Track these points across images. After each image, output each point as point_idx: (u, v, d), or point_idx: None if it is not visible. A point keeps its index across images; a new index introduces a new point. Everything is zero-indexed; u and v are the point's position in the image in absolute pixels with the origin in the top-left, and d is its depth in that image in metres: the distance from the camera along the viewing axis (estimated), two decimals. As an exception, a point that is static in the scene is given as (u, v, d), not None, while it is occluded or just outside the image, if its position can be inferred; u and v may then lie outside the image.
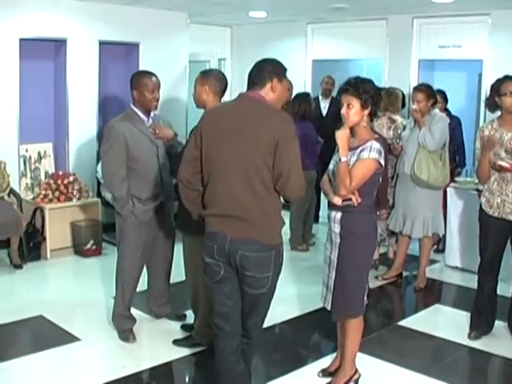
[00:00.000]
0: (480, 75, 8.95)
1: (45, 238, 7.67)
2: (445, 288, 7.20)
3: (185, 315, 5.81)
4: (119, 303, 5.40)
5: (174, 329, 5.59)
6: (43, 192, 7.81)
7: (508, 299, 5.63)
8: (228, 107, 3.98)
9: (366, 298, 4.43)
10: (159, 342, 5.40)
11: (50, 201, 7.76)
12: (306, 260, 7.66)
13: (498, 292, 5.51)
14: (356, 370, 4.65)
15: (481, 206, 5.41)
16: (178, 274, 5.72)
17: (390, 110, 7.11)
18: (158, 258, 5.57)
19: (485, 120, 7.88)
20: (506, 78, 5.23)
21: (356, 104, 4.21)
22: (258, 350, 4.33)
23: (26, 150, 8.19)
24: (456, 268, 7.50)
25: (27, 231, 7.57)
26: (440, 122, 6.47)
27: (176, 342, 5.31)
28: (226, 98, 5.03)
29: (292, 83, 7.60)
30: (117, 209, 5.24)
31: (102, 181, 6.92)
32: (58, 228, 7.79)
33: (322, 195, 5.15)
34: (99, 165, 6.96)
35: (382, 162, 4.23)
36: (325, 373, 4.83)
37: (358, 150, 4.21)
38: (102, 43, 8.53)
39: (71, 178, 7.97)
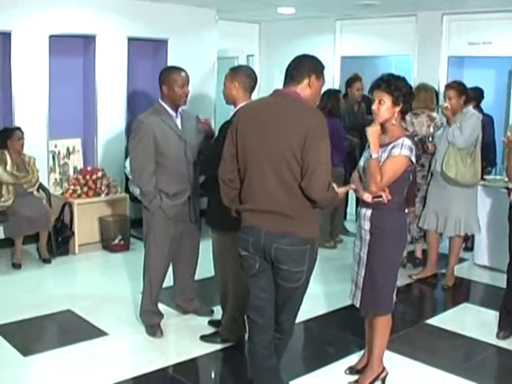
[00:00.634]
0: (510, 72, 8.87)
1: (73, 233, 7.72)
2: (473, 287, 7.14)
3: (212, 311, 5.81)
4: (147, 299, 5.42)
5: (202, 324, 5.60)
6: (72, 187, 7.86)
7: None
8: (262, 104, 3.98)
9: (395, 295, 4.41)
10: (186, 338, 5.41)
11: (79, 196, 7.81)
12: (334, 257, 7.63)
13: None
14: (383, 368, 4.63)
15: (510, 204, 5.36)
16: (206, 269, 5.73)
17: (430, 107, 7.01)
18: (185, 253, 5.58)
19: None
20: None
21: (387, 100, 4.18)
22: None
23: (55, 146, 8.25)
24: (485, 267, 7.43)
25: (56, 226, 7.63)
26: (471, 118, 6.41)
27: (203, 338, 5.32)
28: (254, 94, 5.02)
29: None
30: (144, 204, 5.26)
31: (130, 176, 6.95)
32: (86, 223, 7.84)
33: (350, 192, 5.11)
34: (127, 160, 6.99)
35: (413, 160, 4.20)
36: (352, 370, 4.81)
37: (389, 146, 4.19)
38: (130, 39, 8.57)
39: (100, 174, 8.01)
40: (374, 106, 4.25)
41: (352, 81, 8.81)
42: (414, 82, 8.69)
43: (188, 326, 5.62)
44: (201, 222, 5.56)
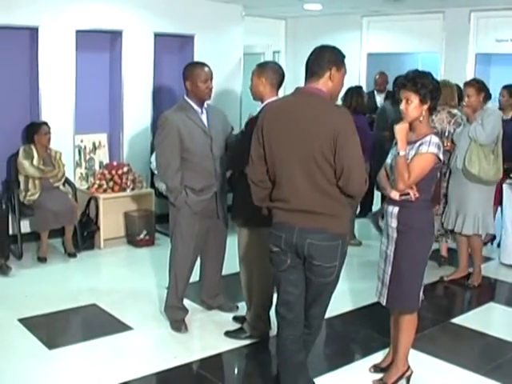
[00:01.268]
0: (538, 70, 8.80)
1: (98, 228, 7.76)
2: (499, 286, 7.08)
3: (237, 307, 5.81)
4: (172, 294, 5.44)
5: (226, 320, 5.60)
6: (97, 182, 7.89)
7: None
8: (286, 103, 3.96)
9: (421, 293, 4.38)
10: (211, 333, 5.42)
11: (105, 191, 7.84)
12: (359, 254, 7.60)
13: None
14: (408, 367, 4.60)
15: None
16: (231, 265, 5.74)
17: (450, 103, 6.96)
18: (211, 249, 5.59)
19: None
20: None
21: (415, 99, 4.16)
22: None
23: (81, 141, 8.29)
24: (511, 266, 7.37)
25: (81, 220, 7.67)
26: (492, 115, 6.39)
27: (228, 334, 5.32)
28: (280, 90, 5.01)
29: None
30: (170, 199, 5.27)
31: (155, 171, 6.97)
32: (111, 218, 7.87)
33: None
34: (153, 155, 7.02)
35: (441, 157, 4.18)
36: (376, 368, 4.79)
37: (417, 144, 4.16)
38: (157, 35, 8.59)
39: (125, 169, 8.04)
40: (402, 106, 4.23)
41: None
42: (440, 79, 8.63)
43: (213, 322, 5.63)
44: (227, 217, 5.56)
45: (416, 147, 4.17)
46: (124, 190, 7.97)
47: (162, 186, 7.15)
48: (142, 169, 8.40)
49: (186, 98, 5.27)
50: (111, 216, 7.87)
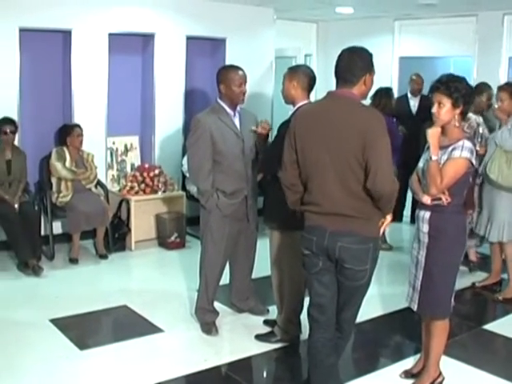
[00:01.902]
0: None
1: (130, 230, 7.80)
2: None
3: (268, 310, 5.80)
4: (203, 296, 5.45)
5: (256, 324, 5.60)
6: (129, 184, 7.93)
7: None
8: (318, 107, 3.95)
9: (453, 299, 4.35)
10: (241, 336, 5.41)
11: (136, 193, 7.88)
12: (389, 259, 7.55)
13: None
14: (440, 373, 4.56)
15: None
16: (262, 268, 5.74)
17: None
18: (242, 252, 5.59)
19: None
20: None
21: (447, 103, 4.13)
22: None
23: (113, 143, 8.34)
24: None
25: (113, 222, 7.71)
26: None
27: (258, 337, 5.32)
28: (312, 93, 5.00)
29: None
30: (202, 202, 5.28)
31: (187, 174, 6.99)
32: (142, 220, 7.90)
33: (408, 194, 5.05)
34: (185, 158, 7.03)
35: (474, 162, 4.15)
36: (407, 374, 4.76)
37: (450, 148, 4.13)
38: (189, 38, 8.61)
39: (157, 171, 8.06)
40: (434, 109, 4.20)
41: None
42: (473, 83, 8.56)
43: (243, 325, 5.63)
44: (258, 220, 5.56)
45: (448, 152, 4.14)
46: (155, 192, 8.00)
47: (193, 189, 7.19)
48: (174, 171, 8.43)
49: (219, 100, 5.28)
50: (142, 218, 7.90)
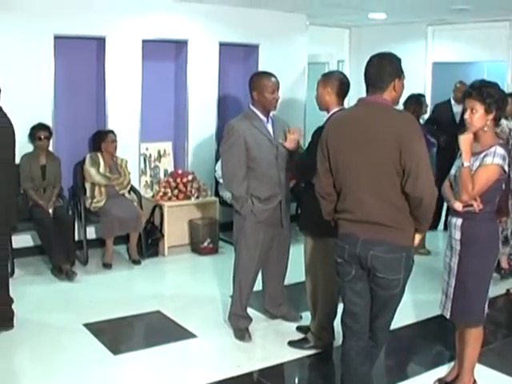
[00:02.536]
0: None
1: (163, 235, 7.82)
2: None
3: (301, 316, 5.77)
4: (236, 302, 5.44)
5: (290, 330, 5.57)
6: (162, 190, 7.96)
7: None
8: (350, 115, 3.93)
9: (486, 306, 4.30)
10: (274, 343, 5.39)
11: (169, 199, 7.90)
12: (425, 265, 7.47)
13: None
14: (474, 381, 4.51)
15: None
16: (295, 274, 5.72)
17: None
18: (275, 258, 5.57)
19: None
20: None
21: (480, 109, 4.09)
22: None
23: (147, 149, 8.37)
24: None
25: (146, 228, 7.74)
26: None
27: (291, 344, 5.29)
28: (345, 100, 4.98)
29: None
30: (236, 208, 5.27)
31: (220, 180, 7.00)
32: (175, 225, 7.92)
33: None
34: (218, 164, 7.05)
35: (506, 168, 4.10)
36: (441, 382, 4.70)
37: (482, 155, 4.10)
38: (222, 44, 8.63)
39: (190, 177, 8.09)
40: (467, 115, 4.16)
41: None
42: (507, 88, 8.49)
43: (276, 331, 5.61)
44: (291, 226, 5.55)
45: (481, 158, 4.11)
46: (188, 198, 8.02)
47: (226, 195, 7.19)
48: (207, 177, 8.44)
49: (251, 107, 5.28)
50: (175, 224, 7.92)
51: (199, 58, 8.46)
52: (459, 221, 4.22)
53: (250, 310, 5.60)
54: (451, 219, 4.31)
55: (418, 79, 9.71)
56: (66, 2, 7.40)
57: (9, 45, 7.14)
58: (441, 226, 8.83)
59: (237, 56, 9.08)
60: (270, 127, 5.29)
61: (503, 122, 6.80)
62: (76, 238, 7.52)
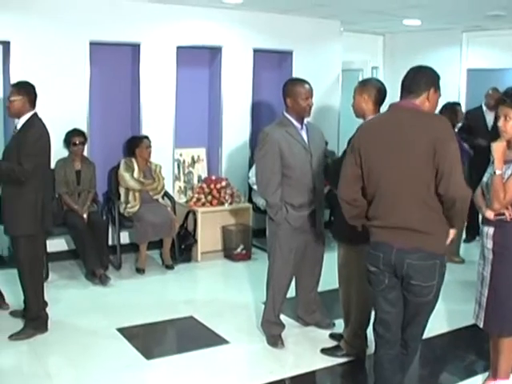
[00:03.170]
0: None
1: (196, 241, 7.83)
2: None
3: (334, 324, 5.74)
4: (269, 309, 5.43)
5: (323, 337, 5.54)
6: (196, 196, 7.98)
7: None
8: (382, 120, 3.92)
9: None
10: (307, 350, 5.36)
11: (203, 204, 7.91)
12: (459, 274, 7.39)
13: None
14: (509, 391, 4.48)
15: None
16: (329, 281, 5.70)
17: None
18: (309, 265, 5.56)
19: None
20: None
21: None
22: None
23: (181, 155, 8.41)
24: None
25: (179, 233, 7.76)
26: None
27: (324, 351, 5.27)
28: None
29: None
30: (270, 215, 5.26)
31: (254, 187, 7.01)
32: (209, 231, 7.94)
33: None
34: (251, 170, 7.05)
35: None
36: (476, 392, 4.68)
37: None
38: (256, 51, 8.64)
39: (224, 183, 8.10)
40: (500, 123, 4.13)
41: None
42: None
43: (309, 338, 5.59)
44: (325, 233, 5.53)
45: None
46: (222, 204, 8.03)
47: (259, 201, 7.20)
48: (240, 183, 8.45)
49: (285, 113, 5.27)
50: (209, 229, 7.93)
51: (233, 64, 8.48)
52: (491, 230, 4.19)
53: (282, 317, 5.58)
54: (483, 228, 4.28)
55: (452, 86, 9.64)
56: (101, 9, 7.48)
57: (46, 51, 7.23)
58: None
59: (271, 62, 9.08)
60: (304, 134, 5.28)
61: None
62: (110, 242, 7.59)
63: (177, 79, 8.12)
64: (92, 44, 7.45)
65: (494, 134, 4.31)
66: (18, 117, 5.34)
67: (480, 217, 4.42)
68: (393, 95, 4.28)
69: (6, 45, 7.18)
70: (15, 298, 5.97)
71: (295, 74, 8.37)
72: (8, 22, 7.01)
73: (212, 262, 7.90)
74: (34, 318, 5.45)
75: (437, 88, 3.78)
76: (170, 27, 7.98)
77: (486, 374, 4.74)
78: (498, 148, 4.10)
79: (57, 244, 7.38)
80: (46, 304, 5.58)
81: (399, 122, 3.68)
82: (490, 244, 4.19)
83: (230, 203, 8.08)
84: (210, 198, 7.96)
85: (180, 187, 8.41)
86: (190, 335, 5.81)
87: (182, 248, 7.77)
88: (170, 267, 7.52)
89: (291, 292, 5.62)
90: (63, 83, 7.34)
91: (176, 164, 8.35)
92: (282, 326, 5.51)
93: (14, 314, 5.83)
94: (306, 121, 5.34)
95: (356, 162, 3.78)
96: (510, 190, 4.02)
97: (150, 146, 7.57)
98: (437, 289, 3.74)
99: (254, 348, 5.41)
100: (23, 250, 5.33)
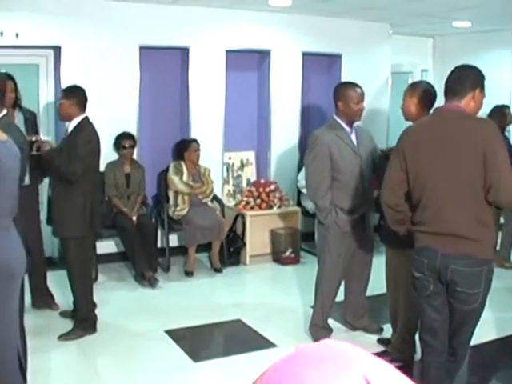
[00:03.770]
0: None
1: (245, 244, 7.84)
2: None
3: (382, 329, 5.69)
4: (318, 313, 5.40)
5: (370, 342, 5.48)
6: (245, 199, 7.99)
7: None
8: (428, 124, 3.87)
9: None
10: (355, 354, 5.32)
11: (252, 208, 7.92)
12: (510, 279, 7.28)
13: None
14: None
15: None
16: (377, 286, 5.65)
17: None
18: (357, 269, 5.52)
19: None
20: None
21: None
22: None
23: (230, 158, 8.42)
24: None
25: (228, 236, 7.77)
26: None
27: (372, 356, 5.21)
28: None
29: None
30: (320, 218, 5.25)
31: (303, 190, 6.99)
32: (257, 235, 7.93)
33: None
34: (300, 174, 7.03)
35: None
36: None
37: None
38: (305, 54, 8.62)
39: (273, 187, 8.09)
40: None
41: None
42: None
43: (357, 343, 5.47)
44: (374, 238, 5.48)
45: None
46: (271, 207, 8.02)
47: (308, 205, 7.18)
48: (289, 187, 8.43)
49: (335, 117, 5.25)
50: (257, 233, 7.93)
51: (282, 67, 8.47)
52: None
53: (330, 321, 5.56)
54: None
55: (503, 88, 9.48)
56: (151, 14, 7.54)
57: (96, 55, 7.32)
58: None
59: (320, 66, 9.05)
60: (353, 138, 5.25)
61: None
62: (159, 245, 7.62)
63: (226, 83, 8.14)
64: (142, 48, 7.52)
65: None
66: (69, 120, 5.43)
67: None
68: (442, 98, 4.22)
69: (57, 50, 7.28)
70: (65, 299, 6.06)
71: (344, 78, 8.31)
72: (59, 28, 7.12)
73: (260, 265, 7.89)
74: (83, 319, 5.52)
75: (482, 88, 3.72)
76: (219, 31, 8.01)
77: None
78: None
79: (106, 246, 7.46)
80: (94, 305, 5.64)
81: (445, 127, 3.64)
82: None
83: (279, 207, 8.07)
84: (258, 201, 7.96)
85: (229, 190, 8.43)
86: (237, 338, 5.82)
87: (231, 251, 7.78)
88: (218, 270, 7.54)
89: (340, 296, 5.58)
90: (113, 87, 7.43)
91: (225, 167, 8.37)
92: (330, 330, 5.49)
93: (63, 314, 5.91)
94: (355, 124, 5.31)
95: (401, 167, 3.74)
96: None
97: (198, 150, 7.60)
98: (483, 296, 3.68)
99: (302, 352, 5.38)
100: (72, 252, 5.40)
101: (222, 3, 7.66)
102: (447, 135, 3.59)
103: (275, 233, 8.05)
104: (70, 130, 5.42)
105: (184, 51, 7.89)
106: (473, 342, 4.03)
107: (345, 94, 5.19)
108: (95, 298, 5.66)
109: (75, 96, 5.40)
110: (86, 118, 5.42)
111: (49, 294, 6.15)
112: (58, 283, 6.33)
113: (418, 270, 3.75)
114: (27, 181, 5.25)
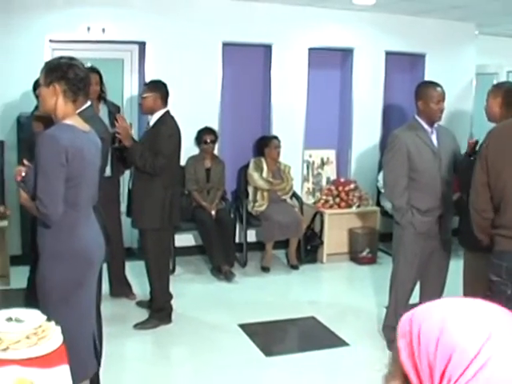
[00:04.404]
0: None
1: (322, 242, 7.84)
2: None
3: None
4: (391, 314, 5.36)
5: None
6: (324, 197, 7.99)
7: None
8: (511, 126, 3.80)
9: None
10: (427, 357, 5.27)
11: (331, 206, 7.91)
12: None
13: None
14: None
15: None
16: (453, 289, 5.57)
17: None
18: (433, 271, 5.44)
19: None
20: None
21: None
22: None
23: (310, 156, 8.44)
24: None
25: (306, 234, 7.78)
26: None
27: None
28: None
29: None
30: (396, 218, 5.20)
31: (382, 190, 6.94)
32: (335, 233, 7.92)
33: None
34: (380, 174, 6.98)
35: None
36: None
37: None
38: (388, 53, 8.55)
39: (352, 186, 8.07)
40: None
41: None
42: None
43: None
44: (451, 240, 5.41)
45: None
46: (350, 206, 8.00)
47: (387, 205, 7.11)
48: (369, 186, 8.39)
49: (416, 117, 5.19)
50: (335, 231, 7.92)
51: (365, 66, 8.43)
52: None
53: (404, 322, 5.50)
54: None
55: None
56: (234, 10, 7.63)
57: (179, 51, 7.46)
58: None
59: (403, 65, 8.95)
60: (434, 138, 5.18)
61: None
62: (236, 240, 7.71)
63: (308, 80, 8.15)
64: (225, 45, 7.61)
65: None
66: (151, 113, 5.54)
67: None
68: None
69: (141, 45, 7.45)
70: (142, 289, 6.21)
71: (427, 78, 8.19)
72: (144, 24, 7.28)
73: (337, 264, 7.88)
74: (159, 309, 5.63)
75: None
76: (302, 29, 8.02)
77: None
78: None
79: (185, 239, 7.58)
80: (171, 296, 5.73)
81: None
82: None
83: (358, 206, 8.04)
84: (337, 200, 7.94)
85: (308, 188, 8.44)
86: (310, 335, 5.84)
87: (308, 249, 7.80)
88: (295, 267, 7.56)
89: (415, 297, 5.53)
90: (196, 82, 7.54)
91: (305, 165, 8.39)
92: (403, 331, 5.43)
93: (140, 304, 6.04)
94: (436, 124, 5.24)
95: (483, 170, 3.68)
96: None
97: (279, 147, 7.64)
98: None
99: (374, 352, 5.33)
100: (150, 243, 5.51)
101: (306, 1, 7.68)
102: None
103: (353, 232, 8.02)
104: (151, 123, 5.54)
105: (267, 48, 7.94)
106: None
107: (425, 94, 5.13)
108: (172, 290, 5.76)
109: (158, 90, 5.51)
110: (168, 112, 5.52)
111: (127, 284, 6.30)
112: (136, 273, 6.48)
113: (496, 273, 3.68)
114: (108, 172, 5.40)
